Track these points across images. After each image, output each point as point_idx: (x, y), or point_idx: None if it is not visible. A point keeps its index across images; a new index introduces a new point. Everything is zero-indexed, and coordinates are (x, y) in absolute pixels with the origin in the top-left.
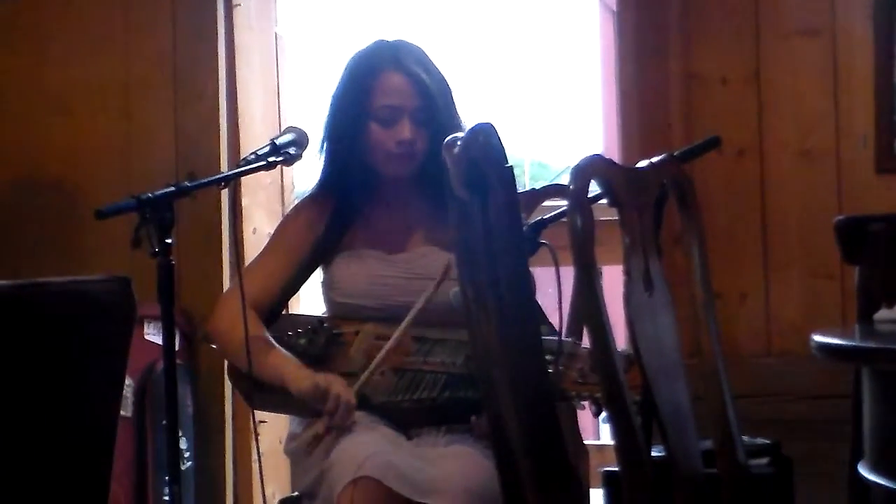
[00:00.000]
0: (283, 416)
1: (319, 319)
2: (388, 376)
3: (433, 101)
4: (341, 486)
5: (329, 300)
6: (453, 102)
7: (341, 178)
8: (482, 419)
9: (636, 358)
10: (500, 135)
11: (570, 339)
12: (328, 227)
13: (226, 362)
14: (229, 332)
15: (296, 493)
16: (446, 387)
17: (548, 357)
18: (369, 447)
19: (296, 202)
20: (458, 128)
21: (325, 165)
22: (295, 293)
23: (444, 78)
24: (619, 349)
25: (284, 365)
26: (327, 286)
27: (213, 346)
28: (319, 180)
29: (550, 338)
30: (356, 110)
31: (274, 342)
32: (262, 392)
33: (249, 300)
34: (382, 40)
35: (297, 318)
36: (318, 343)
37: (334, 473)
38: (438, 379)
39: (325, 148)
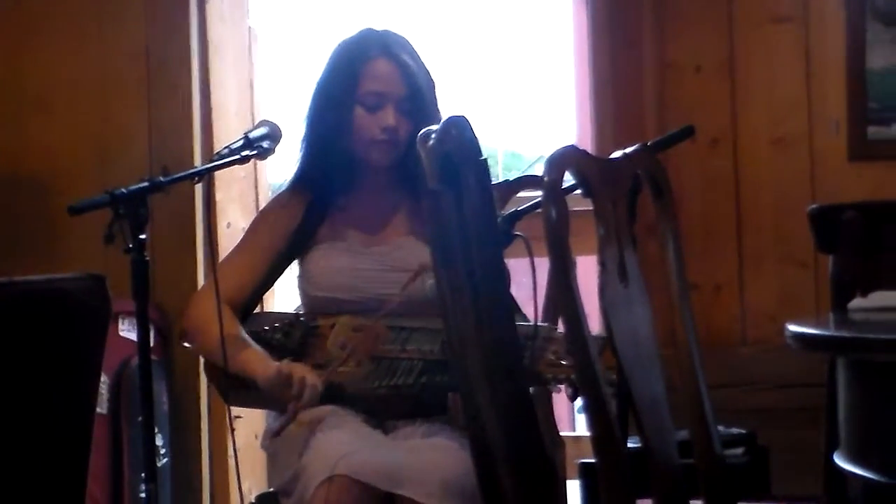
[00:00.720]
0: (258, 411)
1: (296, 314)
2: (365, 365)
3: (419, 92)
4: (315, 483)
5: (304, 293)
6: (436, 97)
7: (321, 166)
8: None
9: (609, 342)
10: (473, 127)
11: (545, 324)
12: (304, 220)
13: (202, 359)
14: (204, 329)
15: (272, 490)
16: (423, 373)
17: (523, 340)
18: (344, 446)
19: (273, 196)
20: (440, 122)
21: (304, 154)
22: (269, 288)
23: (429, 71)
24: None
25: (252, 359)
26: (303, 279)
27: (188, 346)
28: (297, 171)
29: (526, 323)
30: (342, 95)
31: (247, 338)
32: (237, 388)
33: (224, 296)
34: (370, 28)
35: (272, 314)
36: (294, 337)
37: (309, 472)
38: (415, 366)
39: (306, 136)
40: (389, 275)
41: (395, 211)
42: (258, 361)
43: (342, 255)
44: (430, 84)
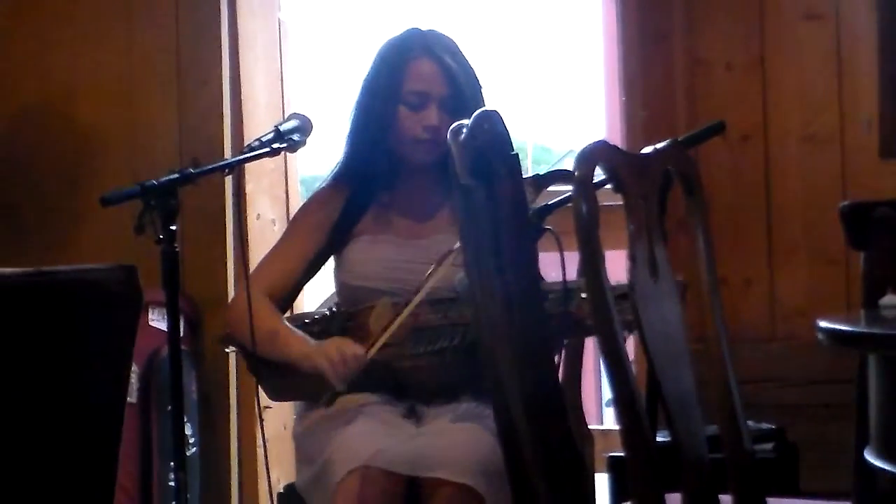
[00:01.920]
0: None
1: (334, 305)
2: (407, 340)
3: (461, 91)
4: (345, 472)
5: (343, 284)
6: (481, 94)
7: (364, 162)
8: None
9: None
10: (505, 122)
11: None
12: (343, 214)
13: (243, 358)
14: (246, 323)
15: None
16: (466, 334)
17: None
18: (374, 438)
19: (313, 191)
20: None
21: (347, 150)
22: (308, 281)
23: (473, 70)
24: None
25: (292, 340)
26: (342, 270)
27: (229, 350)
28: (340, 166)
29: (556, 281)
30: (386, 93)
31: (290, 326)
32: (278, 380)
33: (266, 288)
34: (415, 28)
35: (307, 314)
36: (333, 328)
37: (338, 461)
38: (457, 330)
39: (350, 132)
40: (429, 267)
41: (438, 206)
42: (298, 342)
43: (384, 246)
44: (475, 84)
